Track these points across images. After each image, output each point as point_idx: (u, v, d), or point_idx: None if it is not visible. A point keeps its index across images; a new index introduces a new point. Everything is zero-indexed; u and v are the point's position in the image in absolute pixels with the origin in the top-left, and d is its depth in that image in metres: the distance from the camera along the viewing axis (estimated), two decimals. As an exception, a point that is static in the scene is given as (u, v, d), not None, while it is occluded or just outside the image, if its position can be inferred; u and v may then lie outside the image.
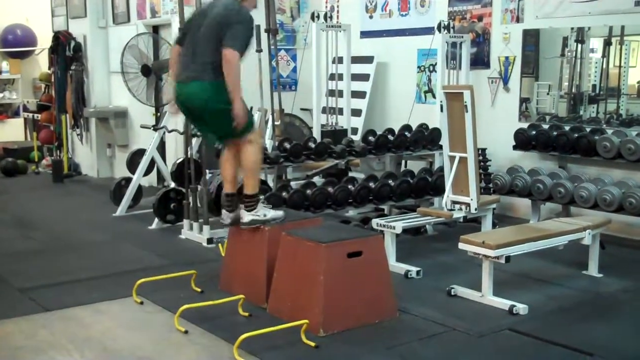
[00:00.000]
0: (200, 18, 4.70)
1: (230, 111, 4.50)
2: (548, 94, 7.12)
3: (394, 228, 5.35)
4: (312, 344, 3.90)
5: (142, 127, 8.09)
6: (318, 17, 7.27)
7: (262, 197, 5.02)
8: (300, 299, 4.26)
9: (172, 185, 7.08)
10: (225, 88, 4.49)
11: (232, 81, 4.46)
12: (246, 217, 4.70)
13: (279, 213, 4.82)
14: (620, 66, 6.58)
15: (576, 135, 6.49)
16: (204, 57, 4.55)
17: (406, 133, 6.76)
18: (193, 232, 6.42)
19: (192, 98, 4.63)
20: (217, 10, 4.61)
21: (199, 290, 4.87)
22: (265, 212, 4.75)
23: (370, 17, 8.73)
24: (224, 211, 4.86)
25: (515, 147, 6.92)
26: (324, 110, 7.63)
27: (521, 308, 4.45)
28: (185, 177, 6.49)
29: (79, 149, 10.52)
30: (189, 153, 6.49)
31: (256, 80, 6.50)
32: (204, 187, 6.26)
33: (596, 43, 6.80)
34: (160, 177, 8.51)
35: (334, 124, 7.58)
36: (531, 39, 7.10)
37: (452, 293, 4.80)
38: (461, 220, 5.66)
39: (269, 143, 6.59)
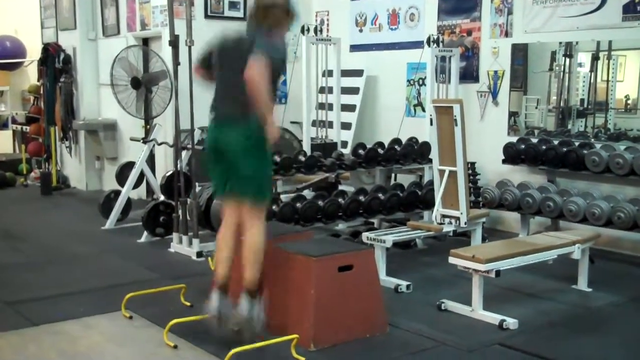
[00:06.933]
0: (230, 50, 4.15)
1: (263, 160, 4.10)
2: (536, 108, 7.17)
3: (384, 242, 5.34)
4: (303, 358, 3.88)
5: (132, 139, 8.07)
6: (308, 30, 7.31)
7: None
8: (291, 313, 4.24)
9: (162, 198, 7.05)
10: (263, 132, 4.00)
11: (259, 97, 3.88)
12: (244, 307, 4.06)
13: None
14: (608, 80, 6.64)
15: (565, 149, 6.52)
16: (238, 96, 3.97)
17: (396, 146, 6.76)
18: (182, 246, 6.39)
19: (230, 141, 4.06)
20: (245, 44, 4.03)
21: (188, 304, 4.85)
22: (260, 312, 4.10)
23: (360, 30, 8.76)
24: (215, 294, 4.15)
25: (504, 161, 6.95)
26: (314, 124, 7.64)
27: (511, 322, 4.45)
28: (175, 190, 6.47)
29: (67, 162, 10.47)
30: (178, 166, 6.48)
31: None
32: (194, 200, 6.24)
33: (584, 57, 6.85)
34: (150, 190, 8.48)
35: (324, 137, 7.60)
36: (520, 53, 7.15)
37: (442, 307, 4.79)
38: (451, 234, 5.67)
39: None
